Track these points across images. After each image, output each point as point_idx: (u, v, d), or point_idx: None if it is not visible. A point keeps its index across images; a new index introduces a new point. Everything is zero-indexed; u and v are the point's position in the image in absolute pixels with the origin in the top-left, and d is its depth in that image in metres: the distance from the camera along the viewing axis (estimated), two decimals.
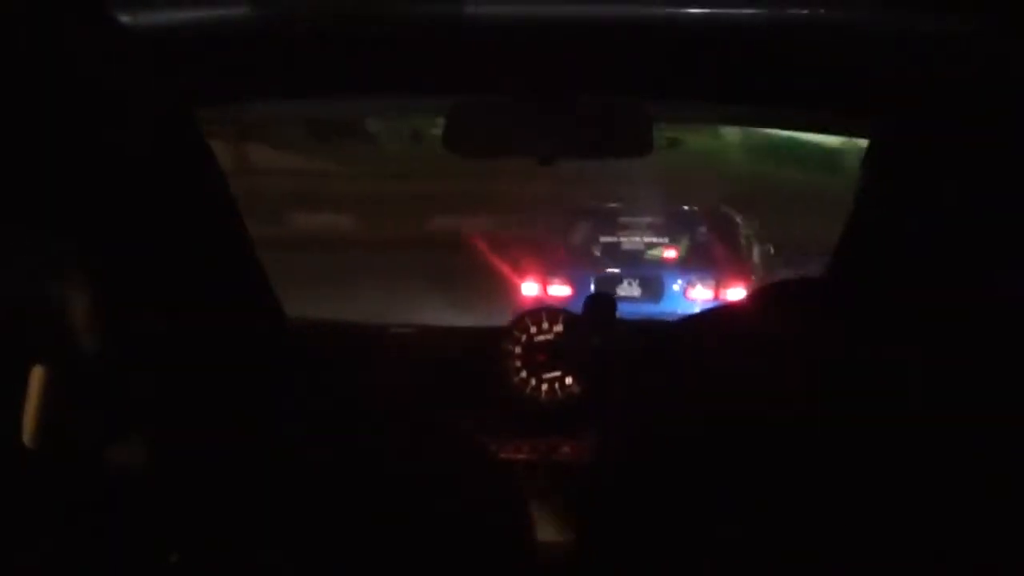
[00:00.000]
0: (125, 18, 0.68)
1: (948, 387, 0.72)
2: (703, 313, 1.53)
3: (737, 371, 1.24)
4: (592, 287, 5.48)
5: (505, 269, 6.10)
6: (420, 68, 1.19)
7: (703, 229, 5.85)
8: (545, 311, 1.45)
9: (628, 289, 5.56)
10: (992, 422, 0.68)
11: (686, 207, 6.26)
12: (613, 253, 5.94)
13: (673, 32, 1.07)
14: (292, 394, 0.86)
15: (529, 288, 5.67)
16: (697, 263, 5.69)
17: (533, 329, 1.43)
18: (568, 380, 1.41)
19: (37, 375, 0.55)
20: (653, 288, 5.61)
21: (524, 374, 1.41)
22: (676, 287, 5.58)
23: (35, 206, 0.55)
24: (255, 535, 0.75)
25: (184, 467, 0.66)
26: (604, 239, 6.02)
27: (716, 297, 5.45)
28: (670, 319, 1.66)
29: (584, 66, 1.16)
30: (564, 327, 1.43)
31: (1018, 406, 0.66)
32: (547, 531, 1.21)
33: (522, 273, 5.86)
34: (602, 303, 1.44)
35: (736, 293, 5.29)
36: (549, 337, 1.42)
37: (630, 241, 5.97)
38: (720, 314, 1.47)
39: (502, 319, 1.48)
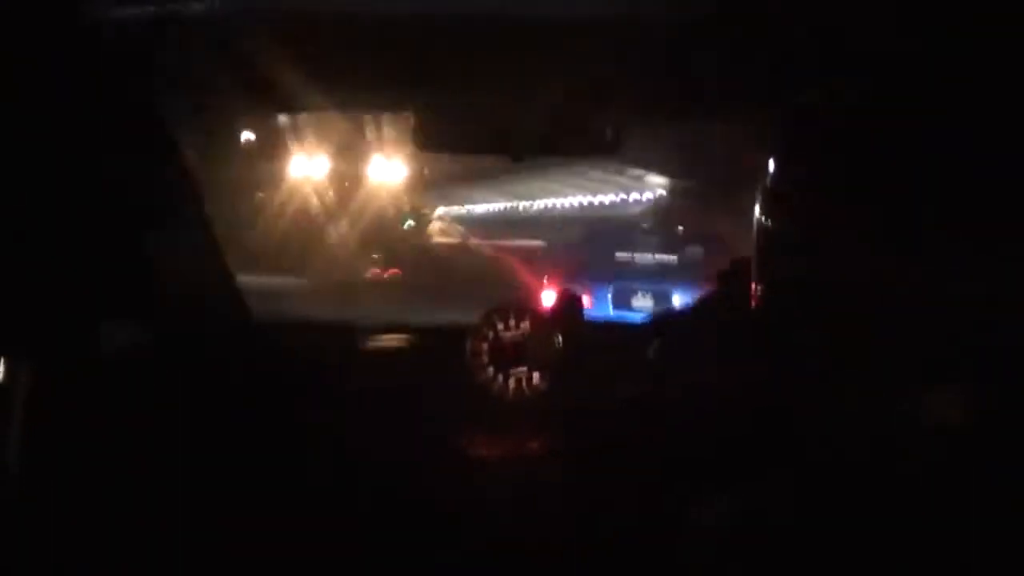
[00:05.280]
0: (97, 12, 0.62)
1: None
2: (660, 316, 1.44)
3: (692, 369, 1.15)
4: (610, 298, 5.60)
5: (528, 278, 6.13)
6: (390, 66, 1.13)
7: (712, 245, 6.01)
8: (513, 309, 1.37)
9: (642, 300, 5.70)
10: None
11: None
12: (627, 267, 6.17)
13: (634, 33, 1.01)
14: (262, 390, 0.81)
15: (549, 296, 5.66)
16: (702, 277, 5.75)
17: (501, 326, 1.35)
18: (535, 377, 1.33)
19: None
20: (663, 300, 5.61)
21: (491, 371, 1.33)
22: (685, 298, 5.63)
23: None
24: (233, 526, 0.70)
25: (164, 462, 0.63)
26: (620, 255, 6.28)
27: None
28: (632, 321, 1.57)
29: (553, 66, 1.10)
30: (531, 325, 1.35)
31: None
32: (517, 524, 1.13)
33: (544, 282, 5.89)
34: (569, 302, 1.36)
35: None
36: (516, 335, 1.34)
37: (642, 257, 6.27)
38: (675, 318, 1.39)
39: None
